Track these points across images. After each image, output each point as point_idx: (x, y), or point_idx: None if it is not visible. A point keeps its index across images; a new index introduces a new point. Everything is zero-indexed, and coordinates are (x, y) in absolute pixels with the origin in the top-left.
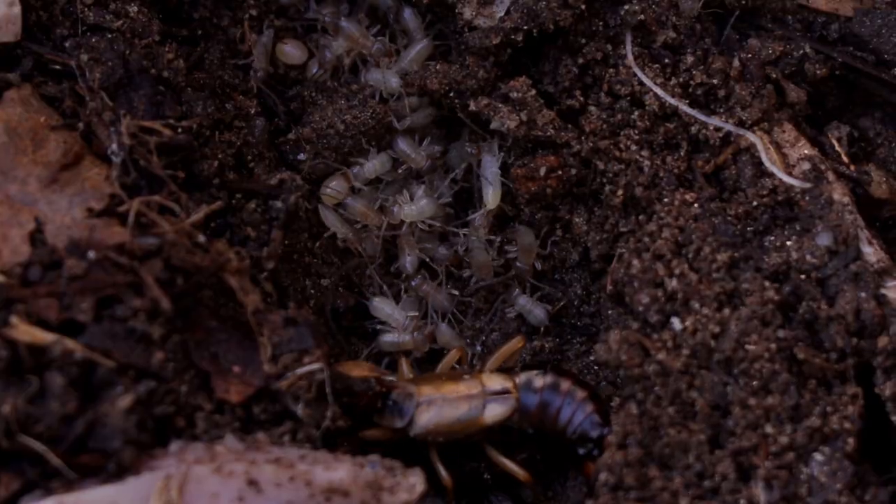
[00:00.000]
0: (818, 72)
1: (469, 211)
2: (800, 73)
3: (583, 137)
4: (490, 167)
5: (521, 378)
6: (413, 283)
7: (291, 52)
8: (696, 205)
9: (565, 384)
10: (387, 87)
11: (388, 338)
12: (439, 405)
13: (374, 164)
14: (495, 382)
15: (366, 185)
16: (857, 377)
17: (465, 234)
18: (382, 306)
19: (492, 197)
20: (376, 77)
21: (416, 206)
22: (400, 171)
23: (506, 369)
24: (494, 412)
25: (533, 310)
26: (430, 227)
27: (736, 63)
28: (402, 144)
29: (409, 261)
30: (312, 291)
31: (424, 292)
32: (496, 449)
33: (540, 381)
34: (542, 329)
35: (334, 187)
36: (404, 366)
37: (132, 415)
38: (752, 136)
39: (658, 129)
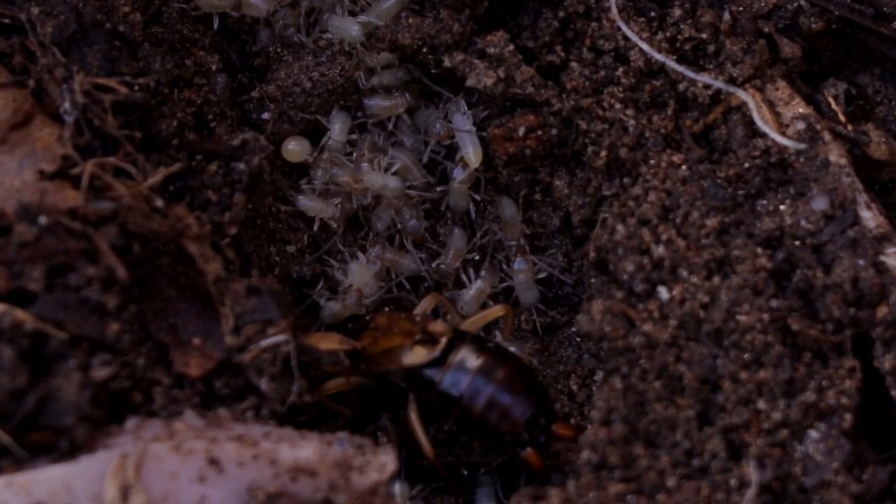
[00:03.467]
0: (813, 25)
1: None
2: (794, 26)
3: (564, 95)
4: (463, 125)
5: (458, 355)
6: (373, 254)
7: (256, 2)
8: (683, 167)
9: (501, 371)
10: (347, 35)
11: (333, 305)
12: (379, 335)
13: (338, 127)
14: (434, 329)
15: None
16: (855, 349)
17: (446, 196)
18: (361, 272)
19: (473, 155)
20: (336, 24)
21: (382, 179)
22: (365, 135)
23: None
24: (413, 355)
25: (528, 290)
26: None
27: (726, 16)
28: (374, 99)
29: (381, 222)
30: (277, 258)
31: (388, 261)
32: (417, 415)
33: (474, 361)
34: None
35: (295, 146)
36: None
37: (86, 389)
38: (743, 94)
39: (644, 87)
